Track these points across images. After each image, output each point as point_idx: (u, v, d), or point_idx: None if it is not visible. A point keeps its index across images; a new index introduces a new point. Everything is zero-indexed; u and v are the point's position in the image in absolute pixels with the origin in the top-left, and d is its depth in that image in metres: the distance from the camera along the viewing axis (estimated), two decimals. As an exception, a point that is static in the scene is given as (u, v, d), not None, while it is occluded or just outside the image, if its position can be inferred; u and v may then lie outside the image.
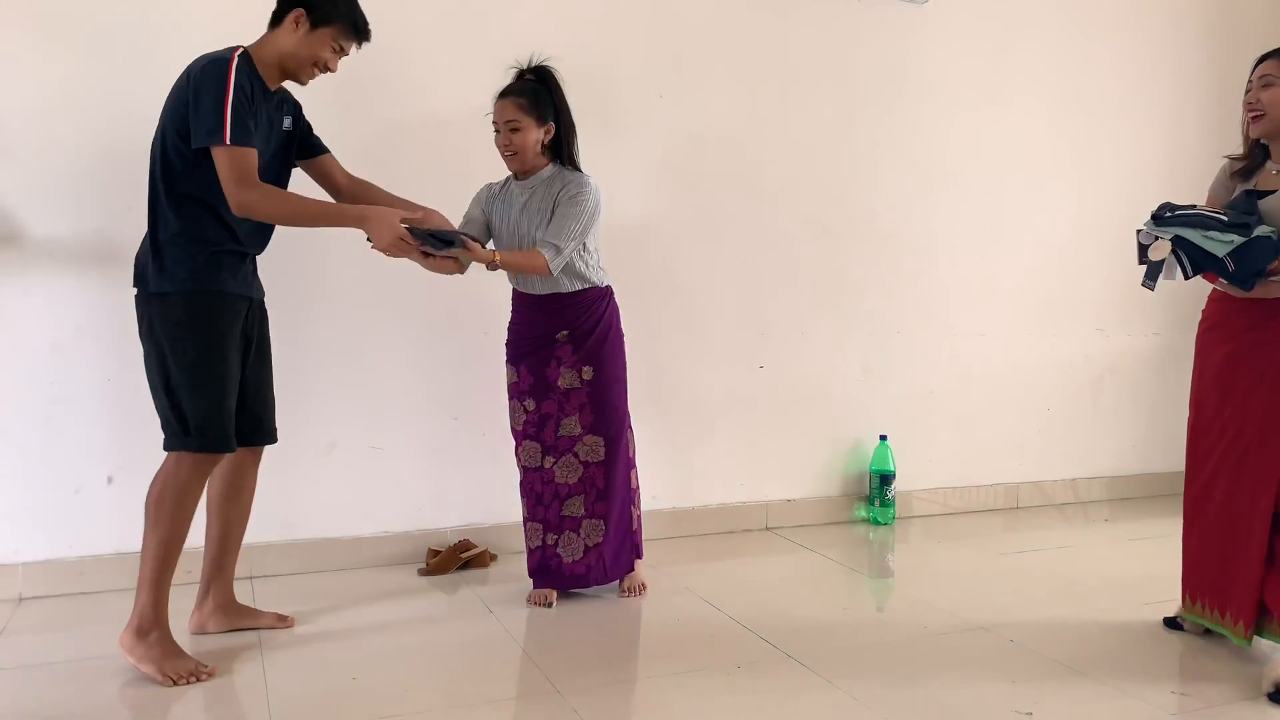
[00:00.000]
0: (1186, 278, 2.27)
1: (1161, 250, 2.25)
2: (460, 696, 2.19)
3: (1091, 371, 4.20)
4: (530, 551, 2.85)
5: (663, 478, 3.50)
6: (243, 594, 2.72)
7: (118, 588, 2.81)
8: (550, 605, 2.79)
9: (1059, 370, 4.13)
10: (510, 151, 2.70)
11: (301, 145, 2.53)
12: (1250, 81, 2.38)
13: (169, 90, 2.29)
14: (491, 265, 2.59)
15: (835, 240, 3.75)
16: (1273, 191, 2.32)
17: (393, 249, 2.33)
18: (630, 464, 2.89)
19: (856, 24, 3.71)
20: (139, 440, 2.68)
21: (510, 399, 2.87)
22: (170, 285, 2.24)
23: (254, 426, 2.50)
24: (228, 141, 2.17)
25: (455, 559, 3.12)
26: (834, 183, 3.73)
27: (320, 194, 2.60)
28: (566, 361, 2.78)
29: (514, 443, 2.87)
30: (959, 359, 3.95)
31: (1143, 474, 4.29)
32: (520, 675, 2.35)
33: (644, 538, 2.99)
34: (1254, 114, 2.36)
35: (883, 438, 3.77)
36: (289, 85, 2.47)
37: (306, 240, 2.76)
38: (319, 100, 2.63)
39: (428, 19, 3.13)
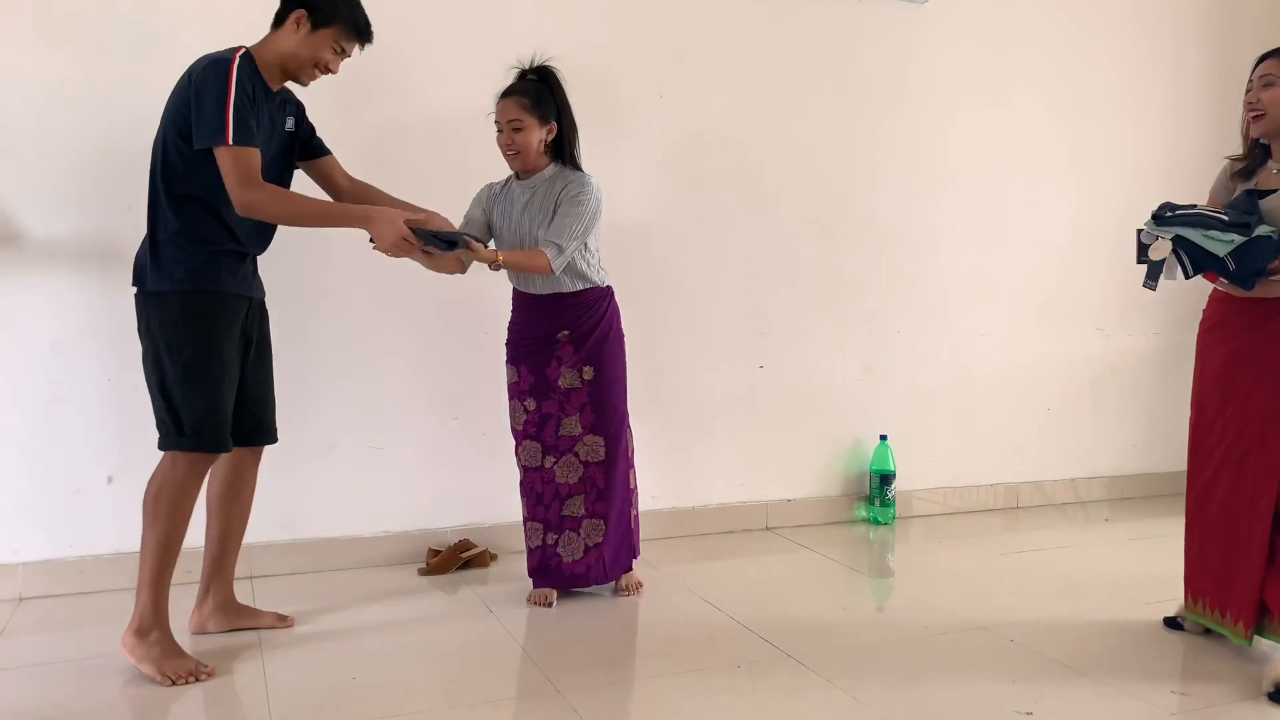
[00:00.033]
0: (1187, 277, 2.27)
1: (1162, 250, 2.25)
2: (460, 696, 2.19)
3: (1091, 371, 4.20)
4: (530, 551, 2.85)
5: (663, 478, 3.50)
6: (243, 594, 2.72)
7: (118, 587, 2.81)
8: (550, 605, 2.79)
9: (1059, 370, 4.13)
10: (513, 151, 2.70)
11: (303, 146, 2.53)
12: (1251, 81, 2.38)
13: (170, 90, 2.29)
14: (494, 265, 2.59)
15: (835, 240, 3.75)
16: (1273, 191, 2.32)
17: (396, 249, 2.33)
18: (629, 464, 2.89)
19: (856, 24, 3.71)
20: (139, 440, 2.67)
21: (510, 399, 2.87)
22: (168, 284, 2.24)
23: (254, 426, 2.50)
24: (230, 142, 2.17)
25: (455, 559, 3.12)
26: (834, 183, 3.73)
27: (321, 196, 2.60)
28: (567, 361, 2.78)
29: (514, 442, 2.87)
30: (959, 359, 3.95)
31: (1143, 474, 4.29)
32: (520, 675, 2.35)
33: (644, 537, 3.00)
34: (1254, 113, 2.36)
35: (883, 437, 3.77)
36: (292, 86, 2.47)
37: (307, 240, 2.76)
38: (319, 100, 2.63)
39: (428, 19, 3.13)
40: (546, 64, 2.74)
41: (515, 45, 2.81)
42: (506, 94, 2.70)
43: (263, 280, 2.52)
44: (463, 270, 2.65)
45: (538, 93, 2.69)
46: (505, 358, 2.88)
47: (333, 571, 3.10)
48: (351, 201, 2.56)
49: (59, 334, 2.84)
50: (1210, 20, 4.30)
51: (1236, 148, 2.52)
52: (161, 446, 2.29)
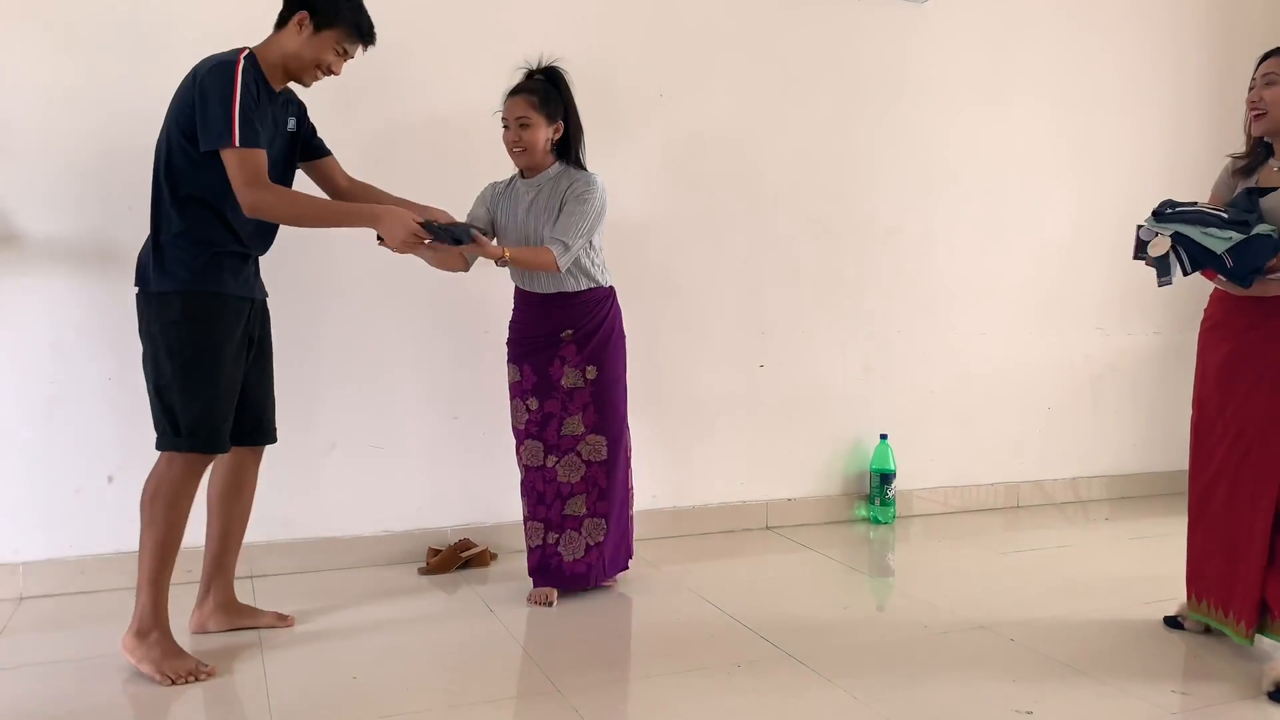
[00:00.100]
0: (1185, 274, 2.27)
1: (1161, 246, 2.25)
2: (460, 696, 2.19)
3: (1092, 370, 4.20)
4: (530, 550, 2.85)
5: (662, 477, 3.50)
6: (243, 593, 2.72)
7: (118, 587, 2.81)
8: (551, 604, 2.79)
9: (1059, 369, 4.13)
10: (519, 148, 2.71)
11: (304, 147, 2.53)
12: (1253, 79, 2.38)
13: (171, 90, 2.29)
14: (501, 261, 2.60)
15: (835, 240, 3.75)
16: (1274, 189, 2.32)
17: (405, 246, 2.34)
18: (628, 464, 2.90)
19: (856, 24, 3.71)
20: (139, 440, 2.66)
21: (512, 398, 2.87)
22: (170, 285, 2.24)
23: (254, 426, 2.50)
24: (237, 144, 2.18)
25: (455, 558, 3.12)
26: (834, 183, 3.73)
27: (321, 196, 2.60)
28: (570, 361, 2.78)
29: (515, 442, 2.87)
30: (959, 358, 3.95)
31: (1143, 473, 4.29)
32: (520, 674, 2.35)
33: (645, 537, 3.00)
34: (1256, 112, 2.36)
35: (883, 437, 3.77)
36: (294, 86, 2.47)
37: (308, 240, 2.76)
38: (319, 100, 2.63)
39: (428, 19, 3.13)
40: (554, 64, 2.75)
41: (515, 45, 2.82)
42: (515, 91, 2.71)
43: (264, 280, 2.51)
44: (466, 268, 2.66)
45: (546, 92, 2.70)
46: (506, 357, 2.88)
47: (333, 571, 3.10)
48: (352, 202, 2.56)
49: (59, 334, 2.84)
50: (1210, 20, 4.30)
51: (1237, 147, 2.52)
52: (159, 447, 2.29)
